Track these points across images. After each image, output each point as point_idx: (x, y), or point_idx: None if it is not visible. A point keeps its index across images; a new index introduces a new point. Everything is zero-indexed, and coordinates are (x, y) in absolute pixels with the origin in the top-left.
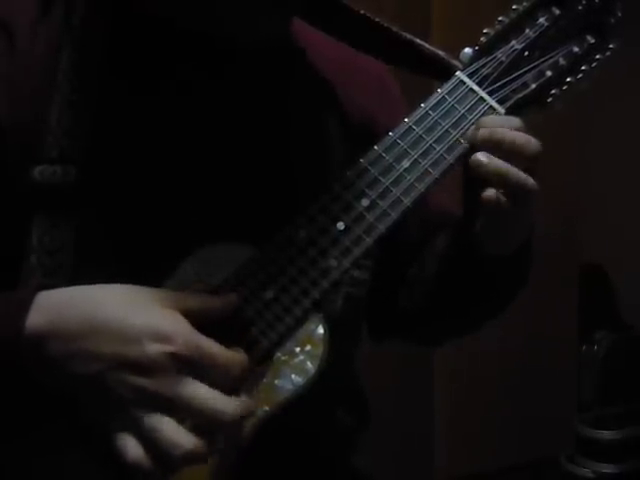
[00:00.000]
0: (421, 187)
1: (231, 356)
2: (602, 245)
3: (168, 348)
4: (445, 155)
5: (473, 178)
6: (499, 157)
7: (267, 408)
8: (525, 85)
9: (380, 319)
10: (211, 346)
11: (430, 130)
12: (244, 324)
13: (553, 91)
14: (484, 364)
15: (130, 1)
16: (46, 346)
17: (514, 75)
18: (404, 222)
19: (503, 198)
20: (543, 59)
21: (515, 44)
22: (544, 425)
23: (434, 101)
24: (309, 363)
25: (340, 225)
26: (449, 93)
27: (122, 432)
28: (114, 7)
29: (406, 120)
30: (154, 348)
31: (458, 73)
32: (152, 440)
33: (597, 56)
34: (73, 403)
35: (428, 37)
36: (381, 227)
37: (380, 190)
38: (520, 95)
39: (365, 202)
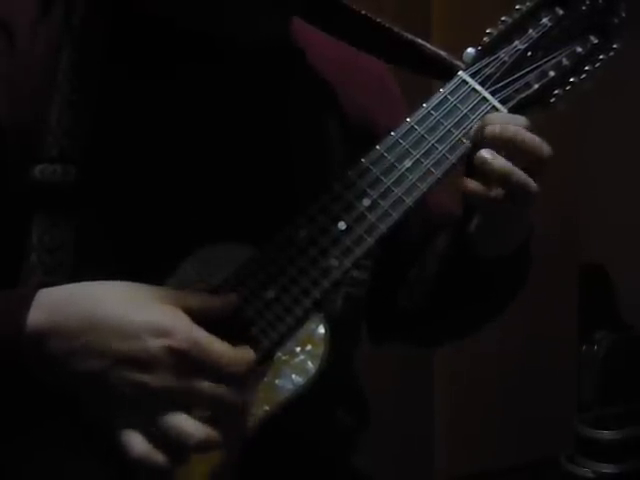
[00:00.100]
0: (423, 187)
1: (232, 352)
2: (602, 245)
3: (168, 342)
4: (447, 155)
5: (474, 177)
6: (503, 155)
7: (267, 408)
8: (528, 85)
9: (379, 320)
10: (212, 341)
11: (432, 130)
12: (245, 324)
13: (556, 91)
14: (484, 364)
15: (130, 1)
16: (47, 343)
17: (517, 75)
18: (405, 222)
19: (502, 197)
20: (546, 59)
21: (518, 44)
22: (544, 425)
23: (436, 101)
24: (310, 363)
25: (341, 225)
26: (451, 93)
27: (125, 428)
28: (114, 7)
29: (408, 120)
30: (154, 343)
31: (461, 73)
32: (163, 433)
33: (600, 56)
34: (74, 400)
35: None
36: (382, 227)
37: (382, 190)
38: (523, 95)
39: (366, 202)
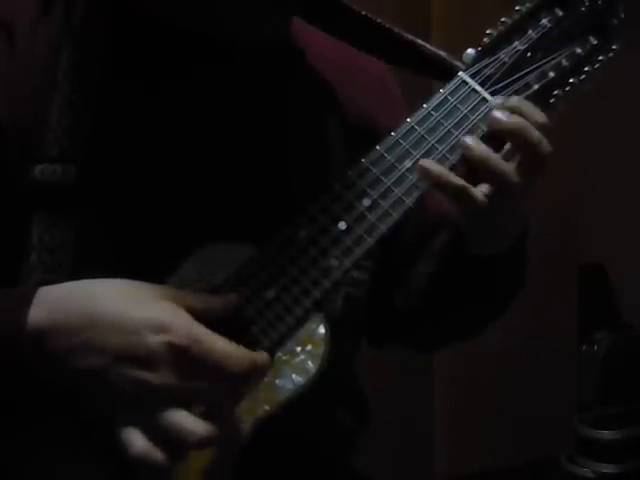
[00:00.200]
0: (423, 187)
1: (233, 349)
2: (602, 245)
3: (168, 339)
4: (447, 155)
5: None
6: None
7: (267, 407)
8: (528, 86)
9: (378, 322)
10: (213, 338)
11: (432, 130)
12: (245, 323)
13: (556, 92)
14: (484, 364)
15: (130, 1)
16: (47, 341)
17: (517, 76)
18: (403, 223)
19: (481, 192)
20: (546, 60)
21: (518, 45)
22: (544, 425)
23: (436, 101)
24: (310, 363)
25: (341, 225)
26: (451, 93)
27: (125, 426)
28: (114, 7)
29: (408, 120)
30: (154, 339)
31: (461, 73)
32: (163, 430)
33: (600, 57)
34: (74, 398)
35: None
36: (382, 227)
37: (382, 190)
38: (523, 96)
39: (366, 202)
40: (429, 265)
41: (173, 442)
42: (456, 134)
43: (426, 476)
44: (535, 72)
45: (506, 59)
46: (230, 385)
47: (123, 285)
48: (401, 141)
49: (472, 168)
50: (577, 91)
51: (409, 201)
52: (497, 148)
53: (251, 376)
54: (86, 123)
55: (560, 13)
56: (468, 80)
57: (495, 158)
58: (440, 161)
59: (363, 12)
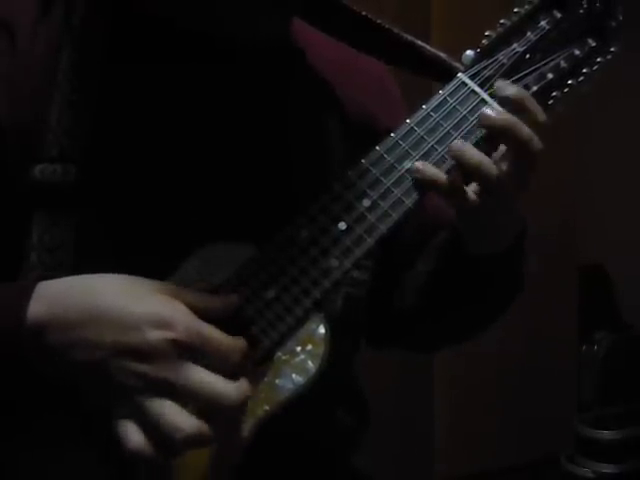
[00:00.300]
0: (422, 190)
1: (232, 342)
2: (602, 245)
3: (168, 334)
4: (447, 156)
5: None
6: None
7: (267, 407)
8: (526, 87)
9: (377, 323)
10: (212, 332)
11: (432, 131)
12: (245, 323)
13: (554, 93)
14: (484, 364)
15: (130, 1)
16: (47, 335)
17: (515, 77)
18: (404, 223)
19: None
20: (544, 62)
21: (517, 47)
22: (544, 425)
23: (436, 102)
24: (310, 362)
25: (341, 225)
26: (451, 94)
27: (123, 420)
28: (114, 7)
29: (408, 121)
30: (155, 334)
31: (460, 75)
32: (154, 425)
33: (598, 59)
34: (74, 393)
35: (428, 38)
36: (382, 227)
37: (381, 191)
38: None
39: (366, 202)
40: (428, 264)
41: (164, 438)
42: (455, 135)
43: (426, 476)
44: (534, 74)
45: (505, 61)
46: (229, 379)
47: (123, 280)
48: (400, 142)
49: (465, 171)
50: (575, 93)
51: (408, 202)
52: (494, 148)
53: (245, 365)
54: (86, 123)
55: (558, 15)
56: (467, 81)
57: (486, 162)
58: (439, 162)
59: (363, 12)
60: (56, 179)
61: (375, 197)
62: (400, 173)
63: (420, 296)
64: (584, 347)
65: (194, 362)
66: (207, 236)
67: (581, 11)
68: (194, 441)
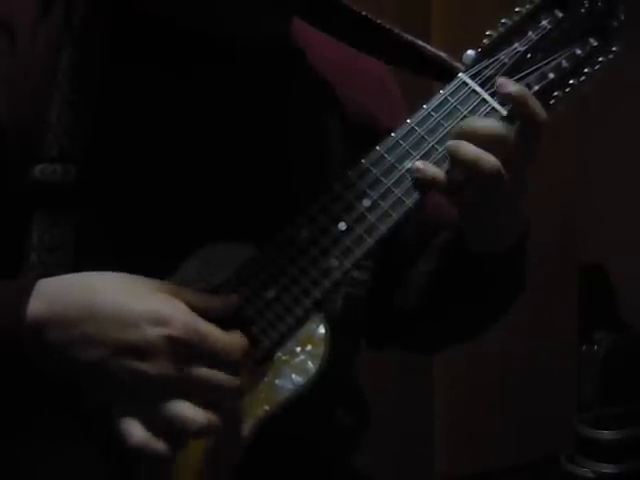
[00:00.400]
0: (423, 190)
1: (230, 339)
2: (602, 245)
3: (167, 331)
4: (447, 156)
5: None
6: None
7: (267, 408)
8: (528, 87)
9: (378, 323)
10: (211, 330)
11: (432, 131)
12: (245, 323)
13: (556, 93)
14: (485, 364)
15: (130, 1)
16: (46, 333)
17: (517, 77)
18: (404, 223)
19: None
20: (546, 61)
21: (518, 46)
22: (544, 425)
23: (436, 102)
24: (310, 363)
25: (341, 225)
26: (452, 94)
27: (124, 417)
28: (114, 7)
29: (408, 121)
30: (153, 331)
31: (461, 74)
32: (164, 420)
33: (600, 59)
34: (74, 391)
35: (428, 38)
36: (382, 228)
37: (382, 191)
38: None
39: (366, 202)
40: (429, 263)
41: (174, 431)
42: None
43: (426, 476)
44: (535, 73)
45: (506, 60)
46: (228, 373)
47: (123, 278)
48: (401, 142)
49: (463, 167)
50: (577, 92)
51: (409, 202)
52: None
53: (244, 361)
54: (86, 123)
55: (560, 14)
56: (468, 81)
57: (484, 156)
58: (440, 161)
59: (363, 12)
60: (56, 179)
61: (375, 197)
62: (400, 173)
63: (422, 296)
64: (584, 347)
65: (193, 358)
66: (207, 236)
67: (583, 10)
68: (204, 431)
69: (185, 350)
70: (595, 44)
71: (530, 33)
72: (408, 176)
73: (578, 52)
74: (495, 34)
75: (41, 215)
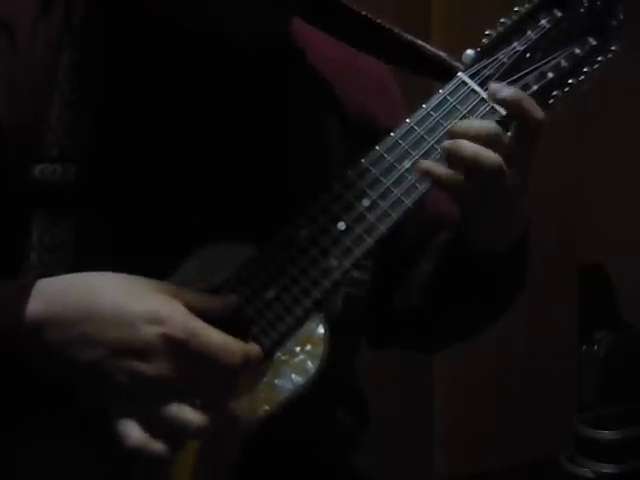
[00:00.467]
0: (422, 188)
1: (228, 341)
2: (601, 245)
3: (163, 331)
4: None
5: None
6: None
7: (267, 407)
8: (527, 86)
9: (378, 323)
10: (209, 331)
11: (431, 131)
12: (245, 323)
13: (554, 92)
14: (484, 364)
15: (135, 1)
16: (45, 333)
17: (516, 76)
18: (403, 223)
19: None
20: (544, 61)
21: (517, 45)
22: (544, 425)
23: (436, 102)
24: (309, 363)
25: (341, 225)
26: (451, 94)
27: (122, 418)
28: (119, 7)
29: (407, 120)
30: (149, 330)
31: (460, 74)
32: (162, 421)
33: (599, 58)
34: (72, 391)
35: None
36: (382, 227)
37: (381, 190)
38: None
39: (366, 202)
40: (430, 262)
41: (172, 432)
42: None
43: (426, 476)
44: (534, 73)
45: (505, 60)
46: (224, 377)
47: (122, 279)
48: (400, 141)
49: (463, 164)
50: (576, 92)
51: (408, 201)
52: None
53: (245, 368)
54: (86, 123)
55: (559, 14)
56: (467, 81)
57: (482, 152)
58: (439, 161)
59: (363, 12)
60: (56, 179)
61: (375, 197)
62: (400, 173)
63: (423, 295)
64: (584, 347)
65: (190, 360)
66: (207, 236)
67: (582, 10)
68: (201, 432)
69: (182, 350)
70: (594, 43)
71: (529, 32)
72: (408, 176)
73: (577, 51)
74: (494, 34)
75: (41, 215)
